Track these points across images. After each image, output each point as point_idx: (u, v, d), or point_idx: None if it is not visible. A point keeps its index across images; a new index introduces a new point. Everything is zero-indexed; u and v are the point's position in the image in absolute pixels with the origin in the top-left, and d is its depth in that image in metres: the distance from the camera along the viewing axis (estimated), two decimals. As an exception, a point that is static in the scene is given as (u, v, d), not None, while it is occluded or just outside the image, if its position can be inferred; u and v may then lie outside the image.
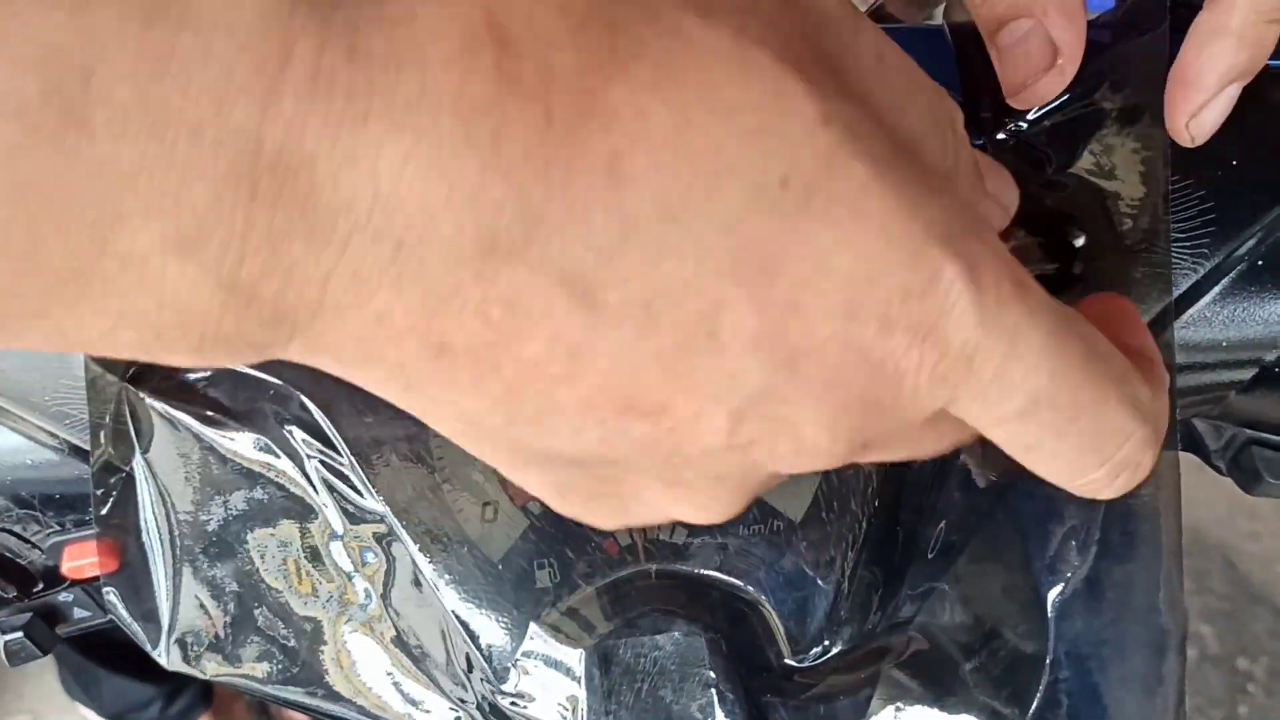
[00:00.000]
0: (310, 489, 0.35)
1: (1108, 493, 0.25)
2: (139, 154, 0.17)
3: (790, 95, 0.20)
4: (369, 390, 0.22)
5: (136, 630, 0.36)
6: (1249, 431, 0.41)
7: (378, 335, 0.20)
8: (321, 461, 0.35)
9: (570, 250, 0.19)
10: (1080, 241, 0.32)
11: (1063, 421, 0.23)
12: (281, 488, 0.35)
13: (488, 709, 0.34)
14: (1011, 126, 0.35)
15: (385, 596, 0.35)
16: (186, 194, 0.17)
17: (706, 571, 0.34)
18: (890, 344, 0.21)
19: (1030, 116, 0.35)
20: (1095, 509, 0.34)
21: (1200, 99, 0.33)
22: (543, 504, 0.34)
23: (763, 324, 0.20)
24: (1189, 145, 0.34)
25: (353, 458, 0.34)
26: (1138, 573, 0.34)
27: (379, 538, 0.35)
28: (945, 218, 0.21)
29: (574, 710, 0.33)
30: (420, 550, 0.34)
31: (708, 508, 0.25)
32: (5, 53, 0.16)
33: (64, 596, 0.43)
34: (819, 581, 0.33)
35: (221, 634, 0.36)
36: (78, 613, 0.43)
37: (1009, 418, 0.23)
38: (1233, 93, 0.33)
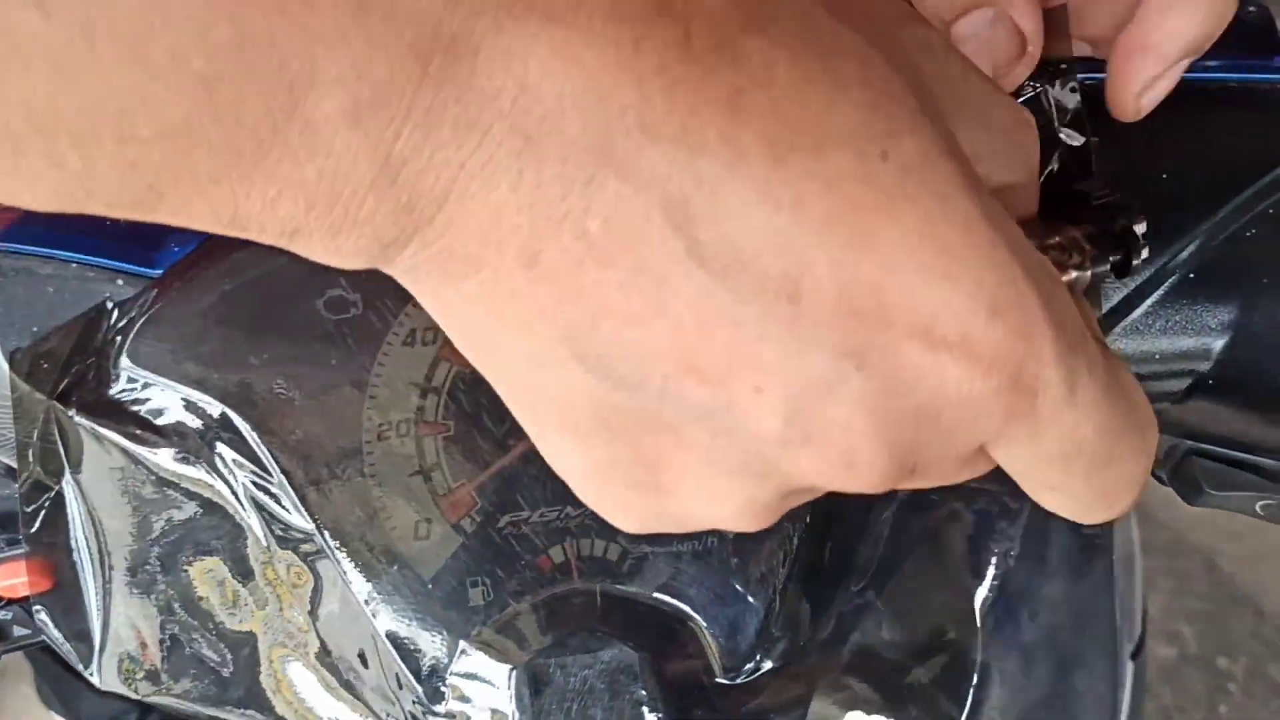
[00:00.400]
0: (239, 507, 0.34)
1: (1099, 520, 0.26)
2: (343, 23, 0.18)
3: (898, 90, 0.21)
4: (452, 318, 0.23)
5: (68, 650, 0.36)
6: (1189, 442, 0.41)
7: (488, 235, 0.21)
8: (251, 480, 0.34)
9: (678, 174, 0.20)
10: (1142, 228, 0.30)
11: (1094, 470, 0.24)
12: (211, 505, 0.35)
13: (418, 726, 0.34)
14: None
15: (314, 614, 0.35)
16: (370, 66, 0.19)
17: (638, 590, 0.34)
18: (968, 361, 0.21)
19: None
20: (1026, 524, 0.34)
21: (1159, 68, 0.32)
22: (475, 522, 0.34)
23: (842, 300, 0.21)
24: (1134, 118, 0.32)
25: (282, 476, 0.34)
26: (1085, 585, 0.34)
27: (307, 556, 0.34)
28: (1024, 245, 0.22)
29: (503, 729, 0.33)
30: (350, 569, 0.34)
31: (744, 512, 0.25)
32: None
33: (2, 614, 0.43)
34: (750, 599, 0.33)
35: (154, 653, 0.36)
36: (17, 630, 0.43)
37: (1046, 460, 0.23)
38: (1182, 69, 0.32)
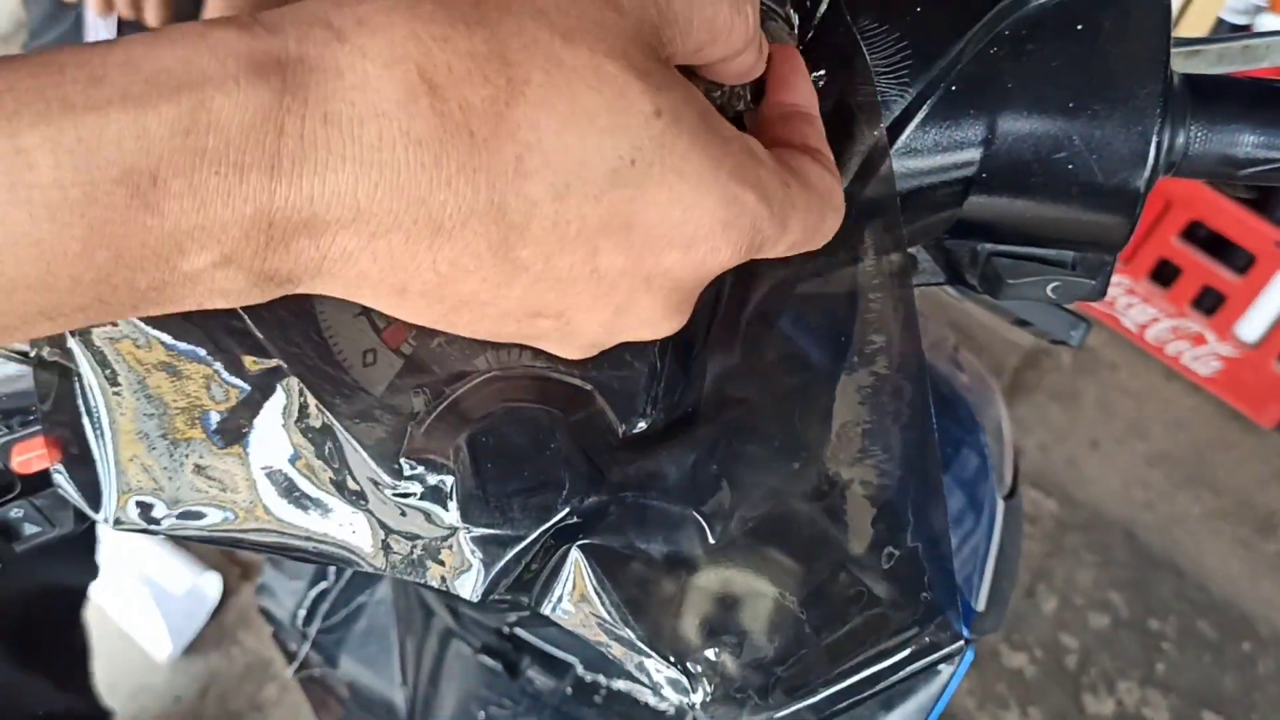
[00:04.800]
0: (213, 344, 0.42)
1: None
2: (193, 220, 0.27)
3: (630, 96, 0.29)
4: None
5: (81, 501, 0.43)
6: (989, 246, 0.50)
7: (359, 286, 0.30)
8: (223, 326, 0.42)
9: (492, 228, 0.29)
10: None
11: (807, 242, 0.36)
12: (194, 350, 0.42)
13: (384, 503, 0.42)
14: None
15: (288, 429, 0.42)
16: (225, 236, 0.27)
17: (547, 372, 0.42)
18: (719, 258, 0.32)
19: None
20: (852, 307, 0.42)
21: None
22: (412, 346, 0.42)
23: (628, 261, 0.31)
24: None
25: (249, 319, 0.41)
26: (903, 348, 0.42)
27: (276, 376, 0.42)
28: (741, 161, 0.32)
29: (451, 492, 0.41)
30: (316, 393, 0.42)
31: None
32: (97, 165, 0.25)
33: (15, 513, 0.49)
34: (636, 364, 0.42)
35: (162, 490, 0.42)
36: (28, 529, 0.49)
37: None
38: None
